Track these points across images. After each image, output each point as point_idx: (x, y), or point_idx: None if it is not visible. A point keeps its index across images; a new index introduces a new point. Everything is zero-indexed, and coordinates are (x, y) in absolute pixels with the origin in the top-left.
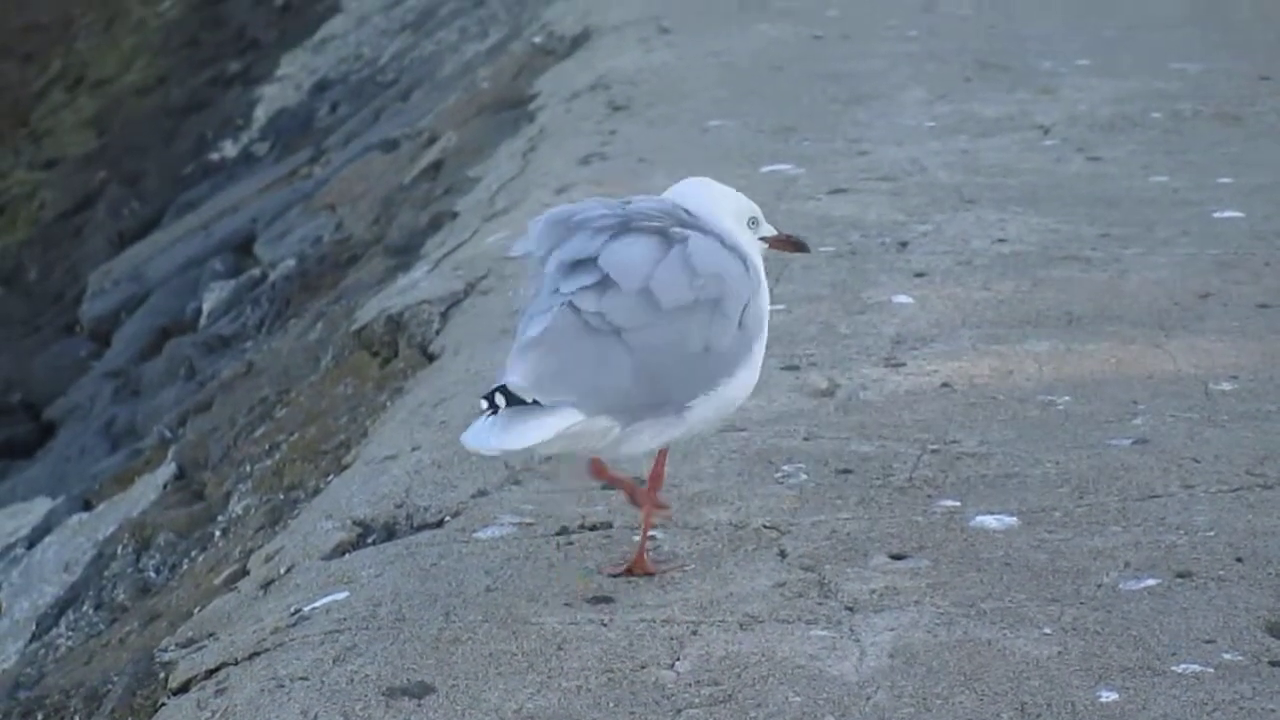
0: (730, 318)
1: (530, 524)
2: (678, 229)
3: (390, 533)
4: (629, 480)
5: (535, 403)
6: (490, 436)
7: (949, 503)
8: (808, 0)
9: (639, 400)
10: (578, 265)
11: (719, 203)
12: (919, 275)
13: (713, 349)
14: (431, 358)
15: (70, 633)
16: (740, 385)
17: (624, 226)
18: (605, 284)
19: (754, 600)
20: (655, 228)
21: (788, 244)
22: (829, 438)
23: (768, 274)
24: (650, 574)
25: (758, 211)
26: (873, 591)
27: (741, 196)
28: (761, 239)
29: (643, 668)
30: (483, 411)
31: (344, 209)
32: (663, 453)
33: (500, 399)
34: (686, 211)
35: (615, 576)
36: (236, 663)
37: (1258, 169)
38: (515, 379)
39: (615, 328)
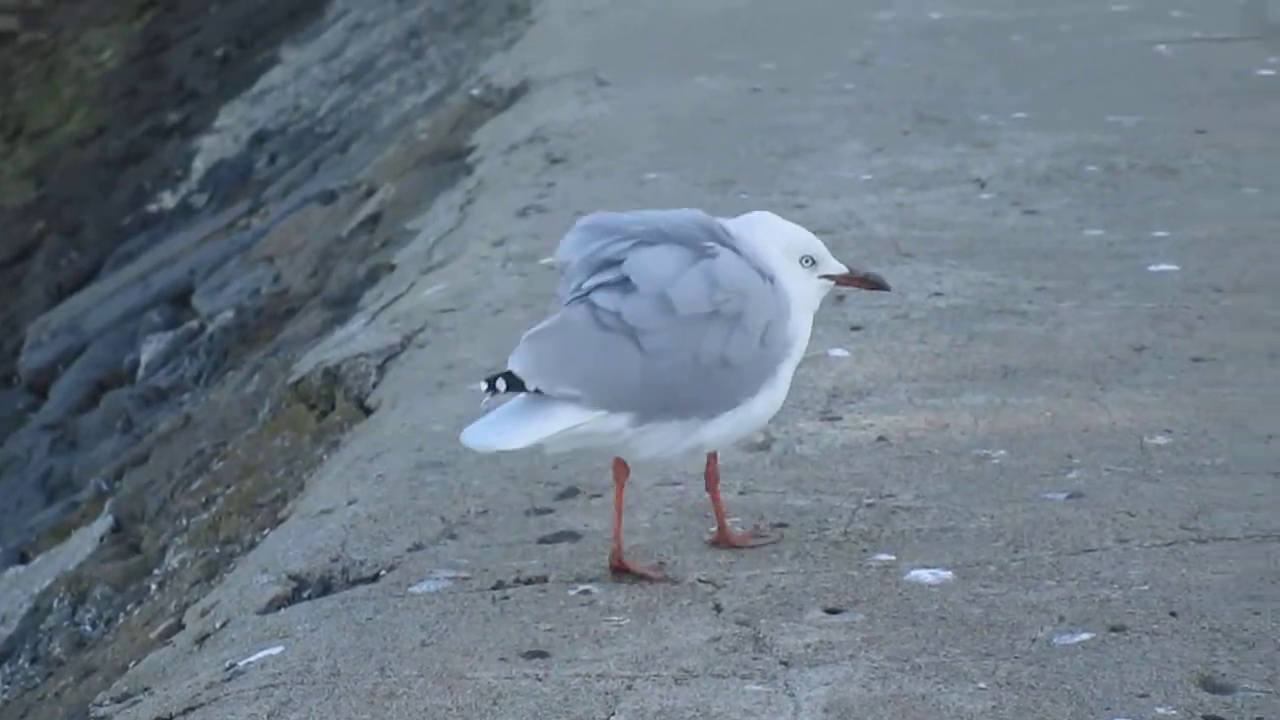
0: (750, 334)
1: (466, 578)
2: (710, 244)
3: (326, 587)
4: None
5: (538, 392)
6: (491, 435)
7: (884, 557)
8: (745, 53)
9: (648, 403)
10: (603, 266)
11: (771, 234)
12: (855, 329)
13: (731, 363)
14: (368, 411)
15: (6, 686)
16: (762, 404)
17: (658, 236)
18: (626, 285)
19: (689, 655)
20: (688, 240)
21: (861, 282)
22: (765, 492)
23: None
24: (736, 546)
25: (817, 250)
26: (808, 646)
27: (801, 234)
28: (826, 277)
29: None
30: (482, 396)
31: (282, 261)
32: (712, 455)
33: (501, 384)
34: (726, 232)
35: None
36: (171, 718)
37: (1192, 222)
38: (519, 364)
39: (630, 329)
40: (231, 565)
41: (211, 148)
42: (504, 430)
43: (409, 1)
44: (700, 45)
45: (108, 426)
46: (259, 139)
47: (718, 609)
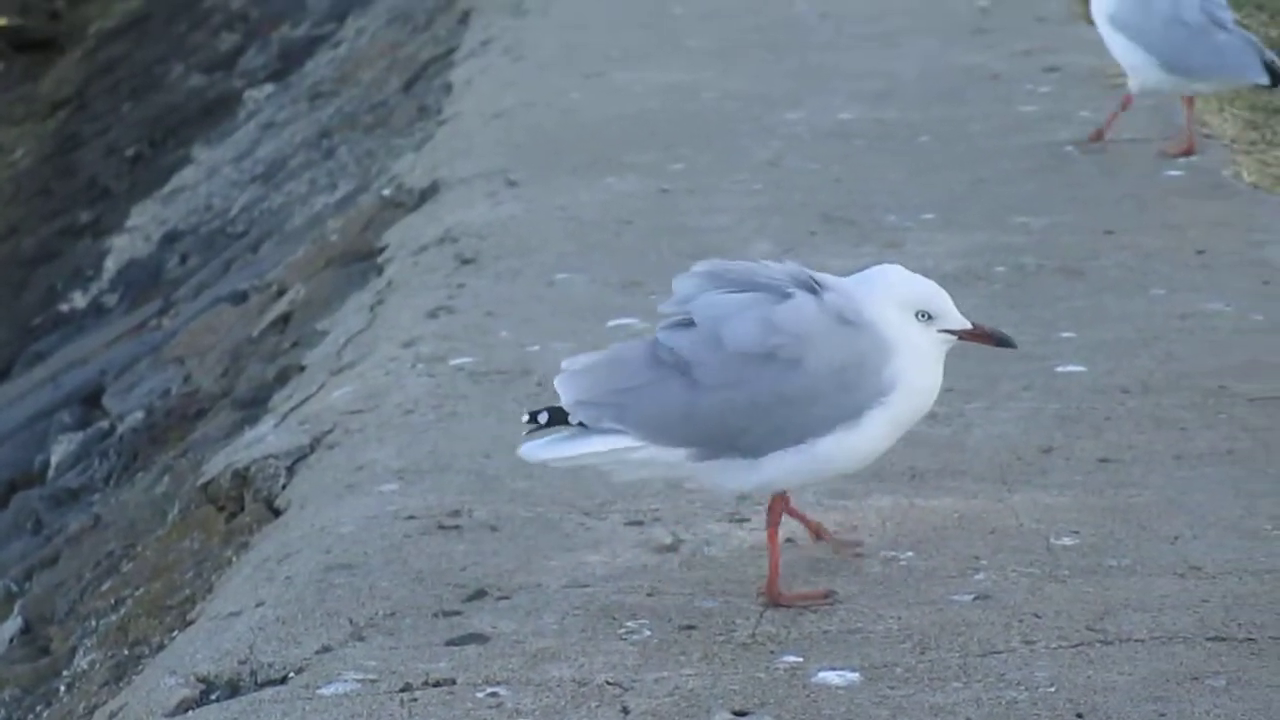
0: (814, 377)
1: (374, 680)
2: (791, 289)
3: (234, 689)
4: (813, 521)
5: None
6: (543, 450)
7: (792, 659)
8: (655, 154)
9: (703, 438)
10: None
11: (888, 288)
12: None
13: (792, 402)
14: (277, 512)
15: None
16: (835, 445)
17: (748, 283)
18: (687, 324)
19: None
20: (771, 286)
21: (983, 337)
22: (673, 593)
23: None
24: (783, 605)
25: (935, 305)
26: None
27: (919, 287)
28: (945, 331)
29: None
30: (525, 426)
31: (192, 361)
32: (779, 497)
33: (544, 416)
34: (817, 283)
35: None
36: None
37: (1100, 323)
38: (566, 395)
39: (684, 363)
40: (140, 667)
41: (123, 247)
42: (557, 447)
43: (320, 101)
44: (610, 146)
45: (18, 527)
46: (170, 238)
47: (625, 711)
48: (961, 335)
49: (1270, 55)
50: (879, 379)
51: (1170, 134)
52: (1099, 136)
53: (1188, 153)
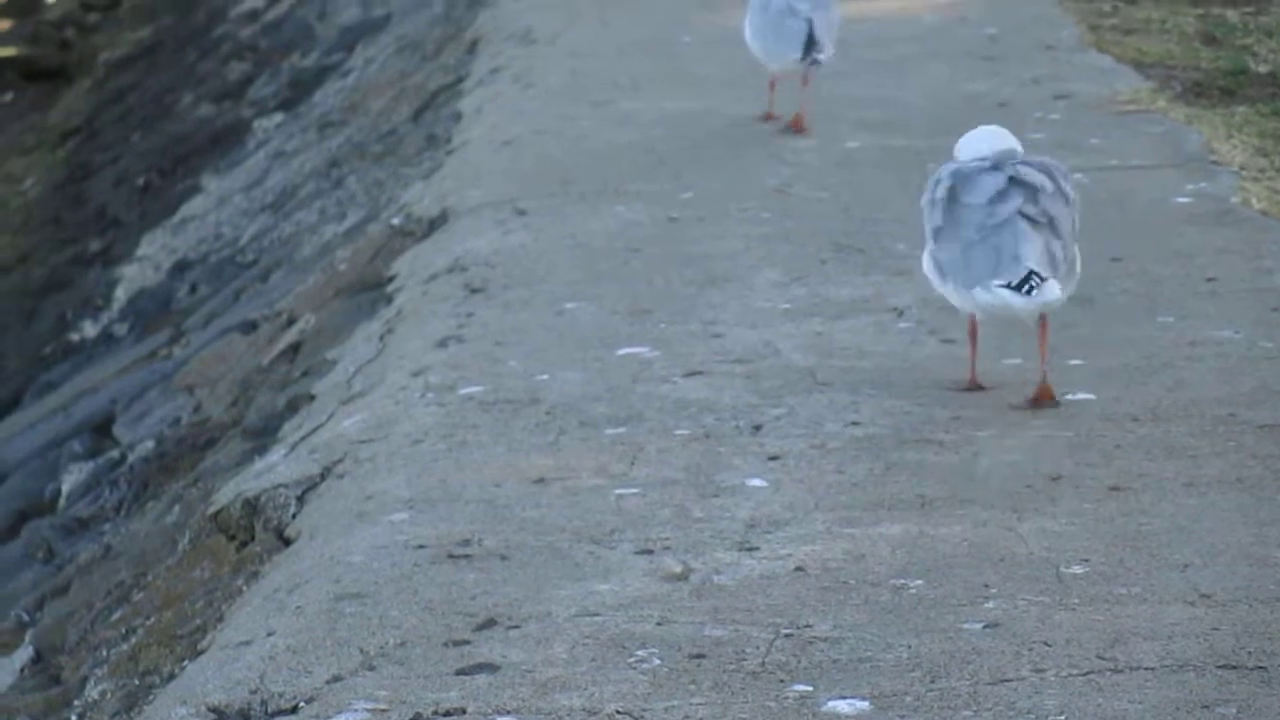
0: None
1: (384, 710)
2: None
3: (245, 718)
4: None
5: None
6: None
7: (802, 687)
8: (663, 183)
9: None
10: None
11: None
12: (773, 458)
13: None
14: (288, 542)
15: None
16: None
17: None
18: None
19: None
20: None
21: None
22: (682, 622)
23: None
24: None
25: None
26: None
27: None
28: None
29: None
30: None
31: (203, 391)
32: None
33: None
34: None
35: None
36: None
37: (1109, 351)
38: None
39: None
40: (151, 697)
41: (133, 276)
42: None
43: (330, 130)
44: (619, 174)
45: (28, 556)
46: (180, 268)
47: None
48: None
49: (816, 39)
50: None
51: (1179, 160)
52: (769, 117)
53: (795, 126)
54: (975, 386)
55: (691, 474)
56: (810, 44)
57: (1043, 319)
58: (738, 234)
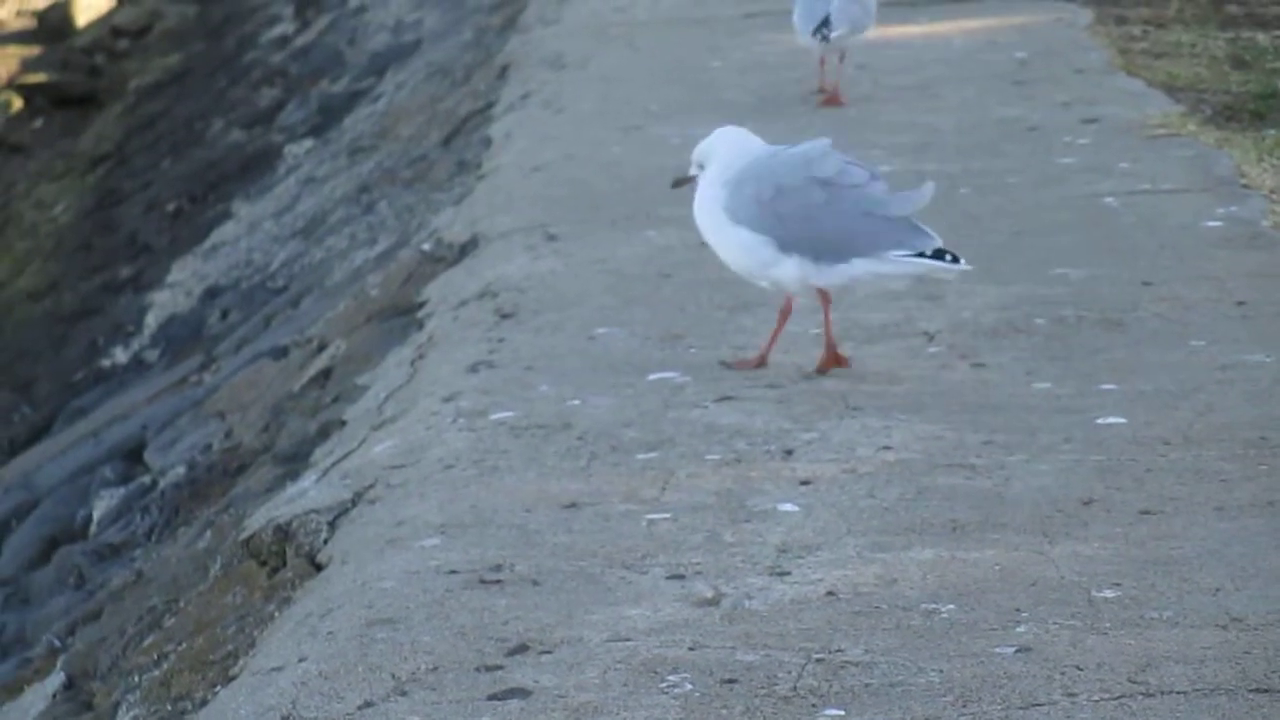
0: None
1: None
2: None
3: None
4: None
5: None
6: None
7: (833, 712)
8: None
9: None
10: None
11: None
12: (804, 483)
13: None
14: (319, 567)
15: None
16: None
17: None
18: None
19: None
20: None
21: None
22: (714, 647)
23: None
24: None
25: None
26: None
27: None
28: None
29: None
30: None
31: (234, 416)
32: None
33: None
34: None
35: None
36: None
37: (1140, 375)
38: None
39: None
40: None
41: (164, 303)
42: None
43: (360, 156)
44: (650, 199)
45: (60, 582)
46: (211, 294)
47: None
48: None
49: (830, 20)
50: None
51: (1209, 184)
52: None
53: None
54: (761, 363)
55: (723, 499)
56: (824, 24)
57: (825, 296)
58: None
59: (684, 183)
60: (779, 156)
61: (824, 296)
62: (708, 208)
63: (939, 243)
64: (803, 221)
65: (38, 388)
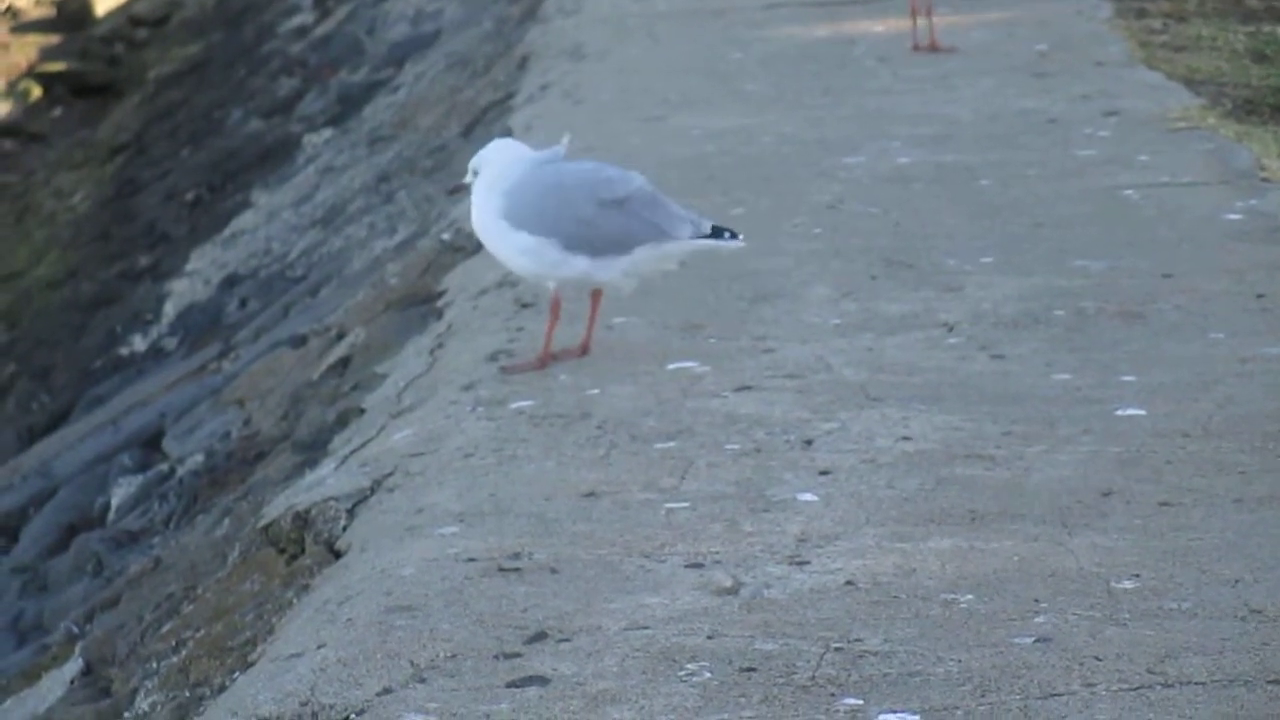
0: None
1: None
2: None
3: None
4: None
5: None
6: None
7: (852, 701)
8: (713, 198)
9: None
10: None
11: None
12: (824, 473)
13: None
14: (338, 555)
15: None
16: None
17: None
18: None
19: None
20: None
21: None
22: (732, 636)
23: None
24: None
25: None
26: None
27: None
28: None
29: None
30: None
31: (252, 404)
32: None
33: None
34: None
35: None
36: None
37: (1160, 367)
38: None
39: None
40: (201, 709)
41: (182, 291)
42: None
43: (379, 146)
44: (669, 190)
45: (78, 569)
46: (230, 282)
47: None
48: None
49: None
50: None
51: (1229, 177)
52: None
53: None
54: (543, 364)
55: (742, 488)
56: None
57: (596, 292)
58: (788, 250)
59: (459, 190)
60: (555, 165)
61: (595, 293)
62: (487, 215)
63: (709, 226)
64: (584, 225)
65: (56, 375)
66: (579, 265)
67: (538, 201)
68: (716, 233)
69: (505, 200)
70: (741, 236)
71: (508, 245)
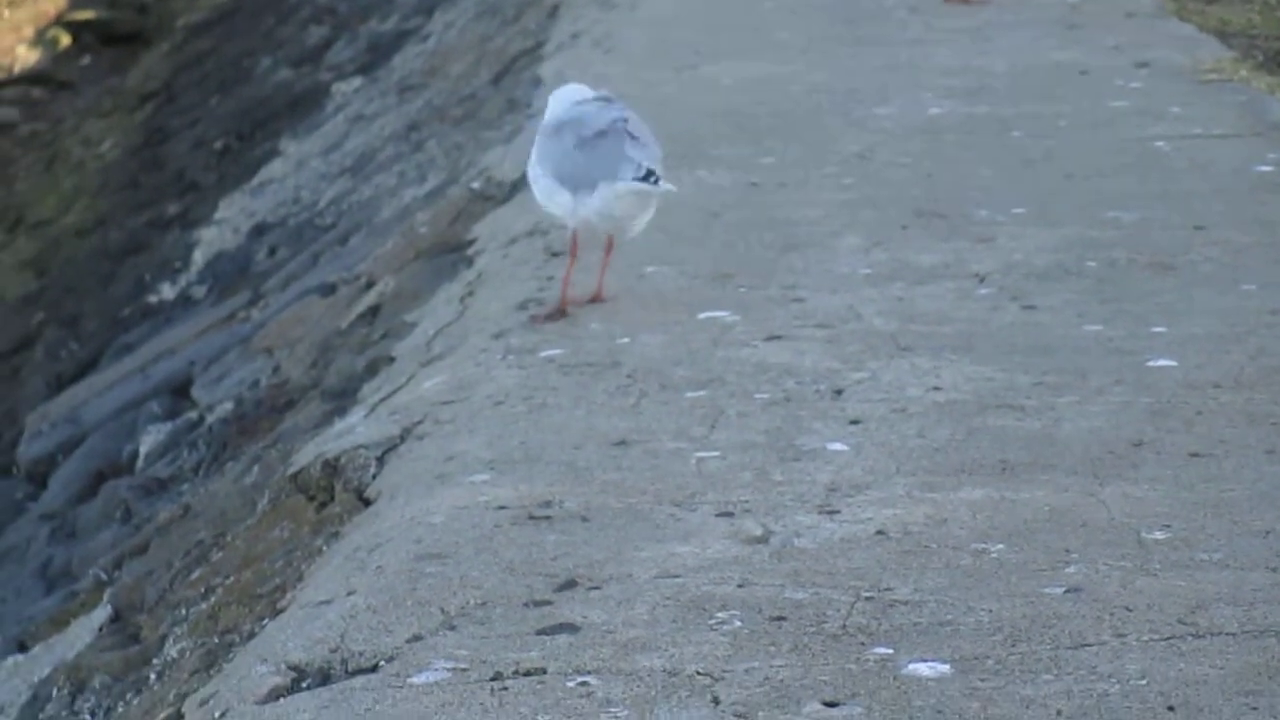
0: None
1: (464, 669)
2: None
3: (325, 677)
4: None
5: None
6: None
7: (882, 650)
8: (744, 148)
9: None
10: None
11: None
12: (854, 422)
13: None
14: (367, 503)
15: None
16: None
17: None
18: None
19: None
20: None
21: None
22: (763, 585)
23: None
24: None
25: None
26: None
27: None
28: None
29: None
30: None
31: (281, 353)
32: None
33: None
34: None
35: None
36: None
37: (1191, 318)
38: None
39: None
40: (230, 655)
41: (211, 239)
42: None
43: (409, 94)
44: (700, 139)
45: (107, 516)
46: (259, 231)
47: (715, 701)
48: None
49: None
50: None
51: (1261, 129)
52: None
53: None
54: (563, 313)
55: (772, 437)
56: None
57: (610, 239)
58: (819, 199)
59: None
60: (581, 105)
61: (608, 239)
62: (532, 157)
63: (644, 170)
64: (564, 160)
65: (85, 323)
66: (565, 202)
67: (547, 140)
68: (646, 177)
69: (538, 137)
70: (663, 182)
71: (530, 176)
